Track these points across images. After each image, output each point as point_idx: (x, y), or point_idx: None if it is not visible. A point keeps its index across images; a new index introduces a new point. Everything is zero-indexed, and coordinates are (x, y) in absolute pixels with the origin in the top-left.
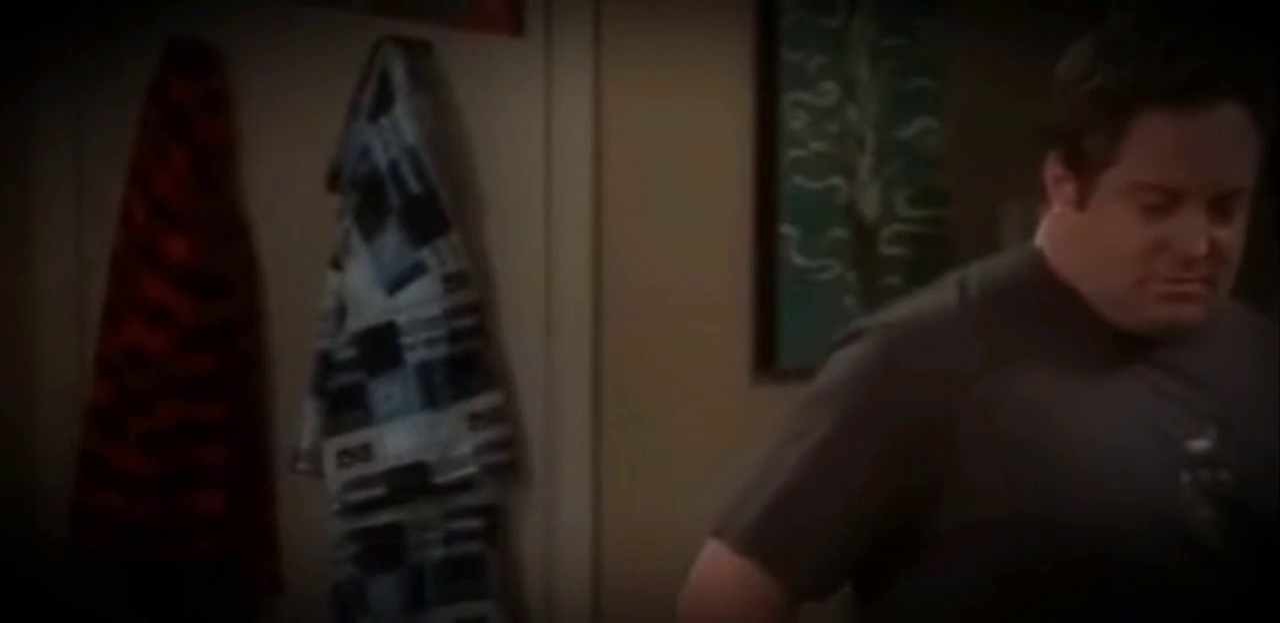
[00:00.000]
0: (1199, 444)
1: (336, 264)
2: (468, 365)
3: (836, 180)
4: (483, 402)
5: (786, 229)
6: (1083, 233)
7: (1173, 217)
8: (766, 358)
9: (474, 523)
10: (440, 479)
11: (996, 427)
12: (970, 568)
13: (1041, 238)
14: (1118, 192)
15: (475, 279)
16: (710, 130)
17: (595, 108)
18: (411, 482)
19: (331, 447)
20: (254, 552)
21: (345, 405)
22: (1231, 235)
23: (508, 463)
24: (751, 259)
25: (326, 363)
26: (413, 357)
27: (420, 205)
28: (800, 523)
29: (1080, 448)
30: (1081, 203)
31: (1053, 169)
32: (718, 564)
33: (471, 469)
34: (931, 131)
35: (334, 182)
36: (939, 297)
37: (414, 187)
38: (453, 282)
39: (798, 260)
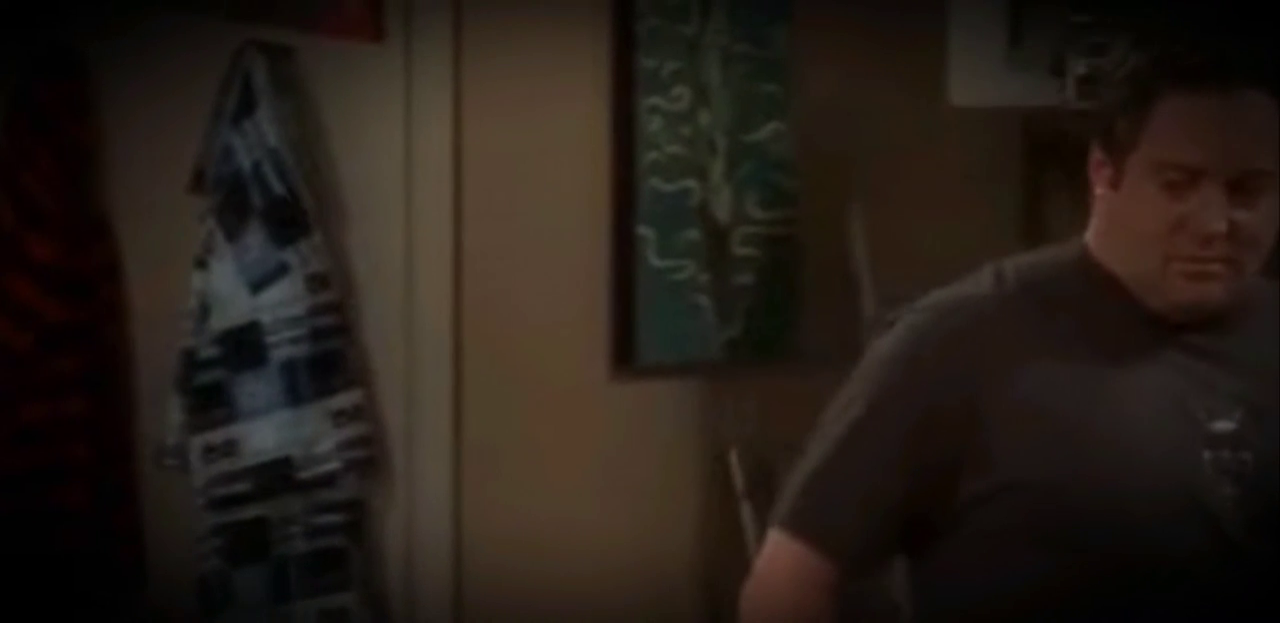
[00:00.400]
0: (1222, 425)
1: (200, 264)
2: (330, 364)
3: (690, 183)
4: (344, 399)
5: (643, 230)
6: (1116, 215)
7: (1192, 195)
8: (624, 355)
9: (336, 518)
10: (303, 475)
11: (1021, 402)
12: (1001, 534)
13: (1089, 230)
14: (1143, 171)
15: (337, 279)
16: (569, 134)
17: (455, 112)
18: (276, 477)
19: (197, 443)
20: (119, 546)
21: (211, 403)
22: (1256, 217)
23: (369, 459)
24: (609, 259)
25: (191, 361)
26: (276, 355)
27: (282, 206)
28: (838, 499)
29: (1103, 424)
30: (1115, 184)
31: (1094, 155)
32: (772, 548)
33: (334, 465)
34: (780, 135)
35: (198, 183)
36: (973, 283)
37: (276, 188)
38: (315, 282)
39: (654, 261)
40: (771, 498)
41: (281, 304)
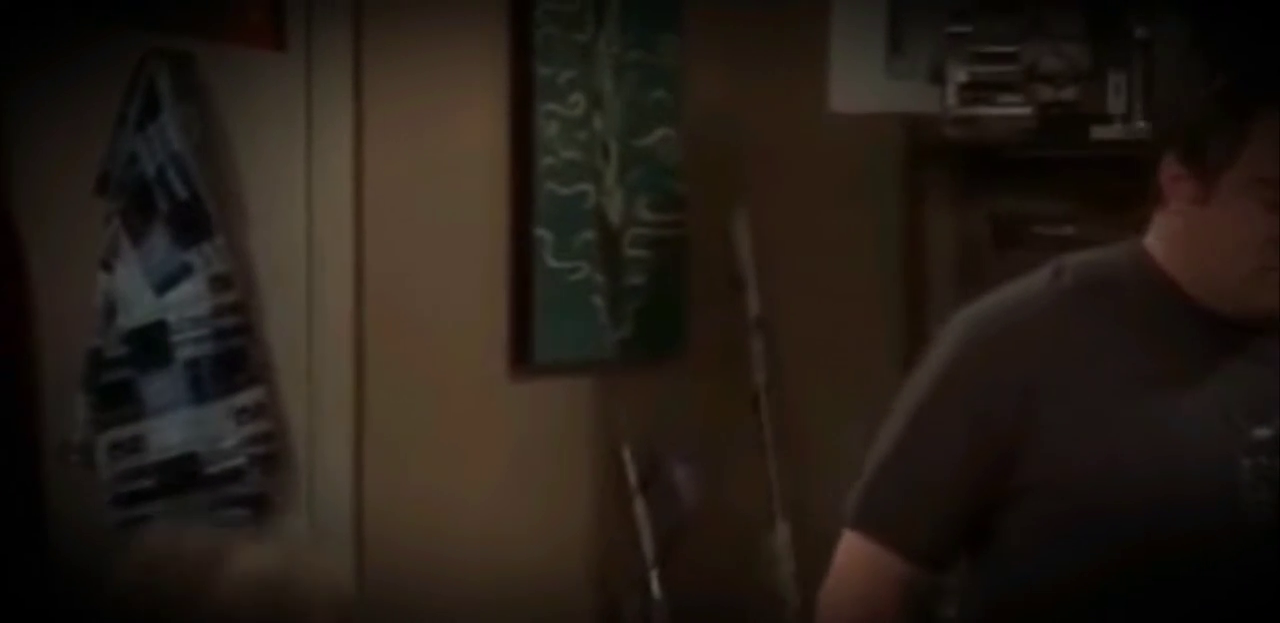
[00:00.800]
0: (1262, 432)
1: (106, 266)
2: (234, 362)
3: (585, 186)
4: (248, 397)
5: (541, 232)
6: (1201, 227)
7: None
8: (522, 354)
9: (240, 512)
10: (209, 470)
11: (1072, 398)
12: (1046, 525)
13: (1151, 235)
14: (1241, 187)
15: (240, 280)
16: (468, 139)
17: (356, 118)
18: (181, 473)
19: (104, 440)
20: (25, 543)
21: (117, 401)
22: None
23: (272, 455)
24: (508, 260)
25: (98, 360)
26: (181, 354)
27: (186, 210)
28: (905, 498)
29: (1147, 424)
30: (1202, 199)
31: (1169, 169)
32: (845, 547)
33: (239, 461)
34: (669, 140)
35: (103, 186)
36: (1031, 281)
37: (180, 192)
38: (218, 282)
39: (551, 262)
40: (663, 492)
41: (186, 304)
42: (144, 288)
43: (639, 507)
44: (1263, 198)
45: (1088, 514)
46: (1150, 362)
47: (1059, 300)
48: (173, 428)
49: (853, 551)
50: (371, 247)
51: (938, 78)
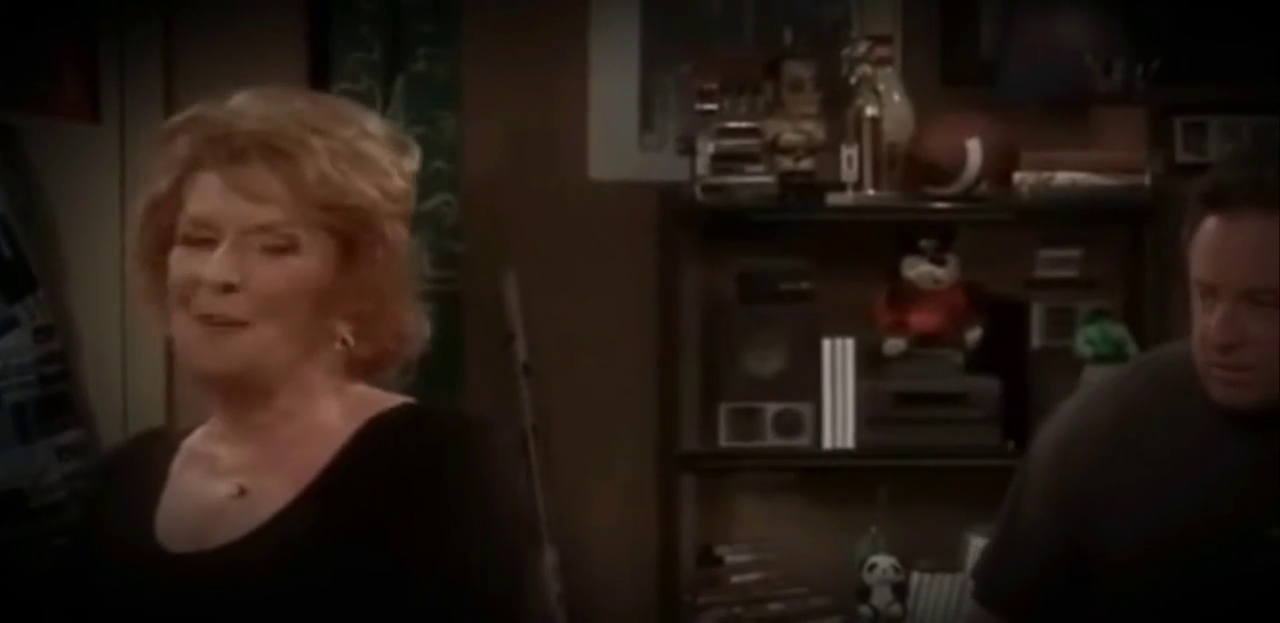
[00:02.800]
0: (1276, 531)
1: None
2: (56, 405)
3: None
4: (69, 437)
5: None
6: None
7: (1212, 309)
8: None
9: (64, 541)
10: (34, 504)
11: (1122, 489)
12: (1106, 598)
13: None
14: (1193, 286)
15: (61, 331)
16: None
17: None
18: (10, 507)
19: None
20: None
21: None
22: (1268, 330)
23: None
24: None
25: None
26: (9, 398)
27: (11, 267)
28: (1014, 574)
29: (1173, 518)
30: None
31: None
32: (969, 619)
33: (61, 495)
34: (449, 205)
35: None
36: (1118, 372)
37: (5, 251)
38: (42, 333)
39: None
40: None
41: (13, 353)
42: None
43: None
44: (1199, 295)
45: (1122, 602)
46: (1188, 456)
47: (1135, 396)
48: (1, 465)
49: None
50: None
51: (686, 150)
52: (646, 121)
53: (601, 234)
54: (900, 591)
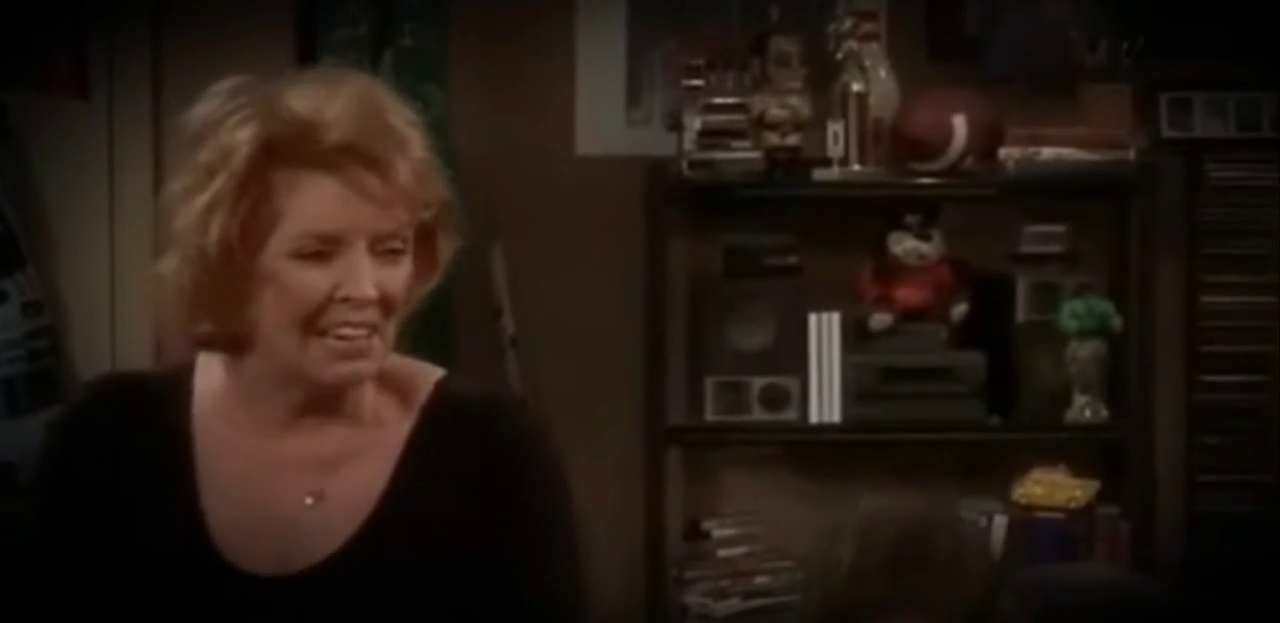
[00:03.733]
0: None
1: None
2: (45, 380)
3: None
4: (59, 412)
5: None
6: None
7: None
8: None
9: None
10: (24, 478)
11: None
12: None
13: None
14: None
15: (49, 306)
16: None
17: (155, 159)
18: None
19: None
20: None
21: None
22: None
23: None
24: None
25: None
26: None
27: (0, 243)
28: None
29: None
30: None
31: None
32: None
33: None
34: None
35: None
36: None
37: None
38: (31, 309)
39: None
40: None
41: (2, 328)
42: None
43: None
44: None
45: None
46: None
47: None
48: None
49: None
50: None
51: (673, 126)
52: (634, 97)
53: (588, 209)
54: None
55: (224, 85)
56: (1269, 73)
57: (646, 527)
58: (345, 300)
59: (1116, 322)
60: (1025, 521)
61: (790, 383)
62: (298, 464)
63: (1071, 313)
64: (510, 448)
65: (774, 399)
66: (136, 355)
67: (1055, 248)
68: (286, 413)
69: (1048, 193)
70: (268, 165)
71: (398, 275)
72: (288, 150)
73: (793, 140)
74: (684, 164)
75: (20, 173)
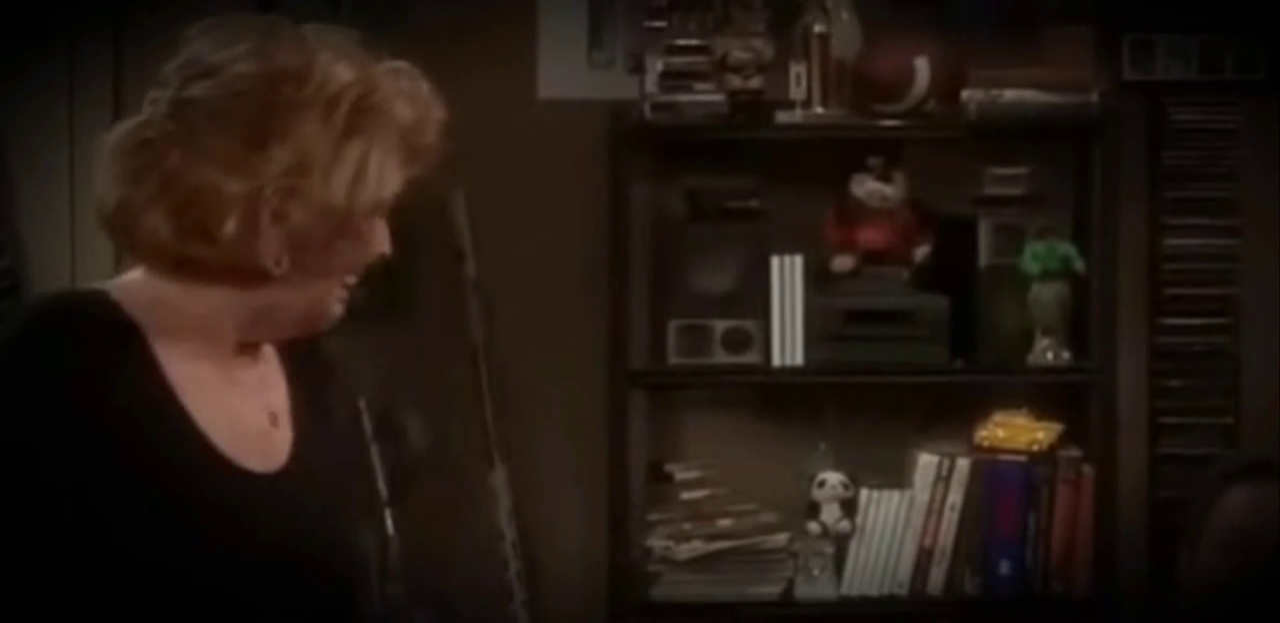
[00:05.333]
0: None
1: None
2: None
3: None
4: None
5: None
6: None
7: None
8: None
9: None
10: None
11: None
12: None
13: None
14: None
15: (9, 249)
16: None
17: (115, 99)
18: None
19: None
20: None
21: None
22: None
23: None
24: None
25: None
26: None
27: None
28: None
29: None
30: None
31: None
32: None
33: None
34: None
35: None
36: None
37: None
38: None
39: None
40: (396, 442)
41: None
42: None
43: (373, 454)
44: None
45: None
46: None
47: None
48: None
49: None
50: None
51: (635, 68)
52: (595, 39)
53: (550, 153)
54: (849, 506)
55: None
56: (1232, 15)
57: (609, 470)
58: (372, 257)
59: (1079, 264)
60: (988, 463)
61: (752, 326)
62: (248, 387)
63: (1034, 256)
64: (338, 377)
65: (736, 342)
66: None
67: (1018, 190)
68: (233, 345)
69: (1010, 135)
70: (352, 137)
71: None
72: (362, 121)
73: (755, 83)
74: (646, 107)
75: None
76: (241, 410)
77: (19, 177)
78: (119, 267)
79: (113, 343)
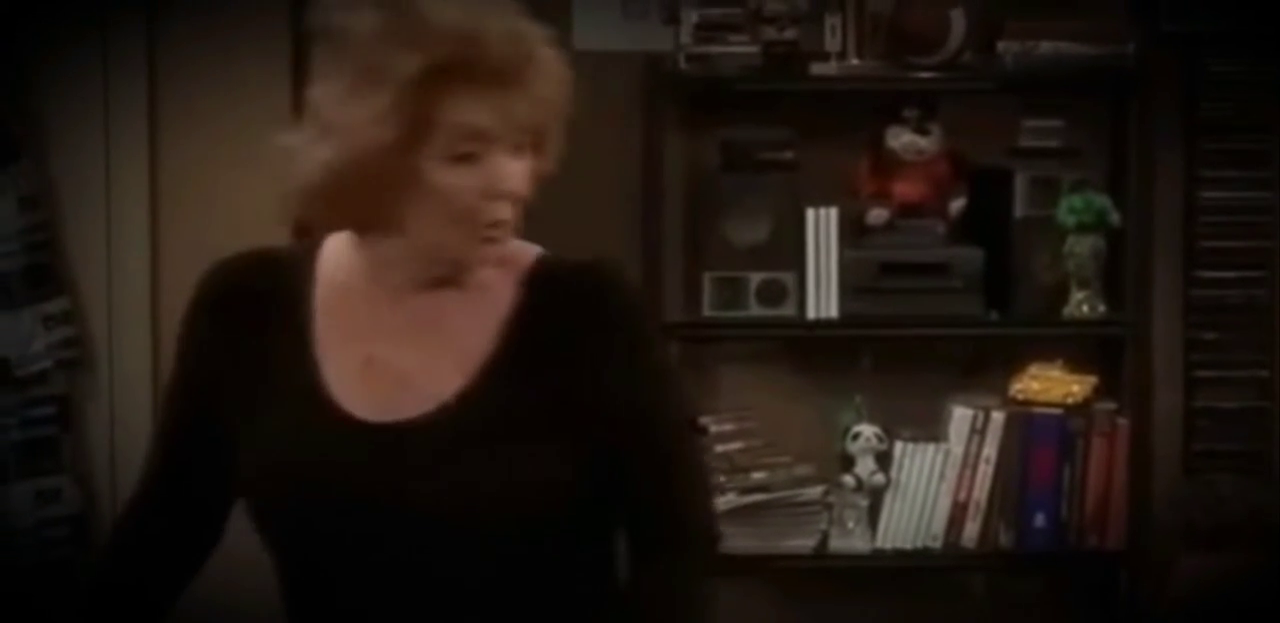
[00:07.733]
0: None
1: None
2: (41, 274)
3: None
4: (54, 305)
5: None
6: None
7: None
8: None
9: (49, 410)
10: (19, 372)
11: None
12: None
13: None
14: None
15: (45, 200)
16: (254, 76)
17: (149, 52)
18: None
19: None
20: None
21: None
22: None
23: (77, 358)
24: None
25: None
26: None
27: None
28: None
29: None
30: None
31: None
32: None
33: (46, 363)
34: None
35: None
36: None
37: None
38: (26, 203)
39: None
40: None
41: None
42: None
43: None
44: None
45: None
46: None
47: None
48: None
49: None
50: (165, 168)
51: (670, 20)
52: None
53: (585, 104)
54: (883, 460)
55: None
56: None
57: None
58: (496, 197)
59: (1115, 217)
60: (1023, 416)
61: (787, 278)
62: (411, 327)
63: (1069, 208)
64: (613, 305)
65: (771, 295)
66: (133, 250)
67: (1054, 142)
68: (408, 283)
69: (1046, 87)
70: (427, 81)
71: (526, 170)
72: (447, 69)
73: (790, 34)
74: (681, 58)
75: (14, 68)
76: (384, 352)
77: (54, 127)
78: (154, 208)
79: (274, 290)
